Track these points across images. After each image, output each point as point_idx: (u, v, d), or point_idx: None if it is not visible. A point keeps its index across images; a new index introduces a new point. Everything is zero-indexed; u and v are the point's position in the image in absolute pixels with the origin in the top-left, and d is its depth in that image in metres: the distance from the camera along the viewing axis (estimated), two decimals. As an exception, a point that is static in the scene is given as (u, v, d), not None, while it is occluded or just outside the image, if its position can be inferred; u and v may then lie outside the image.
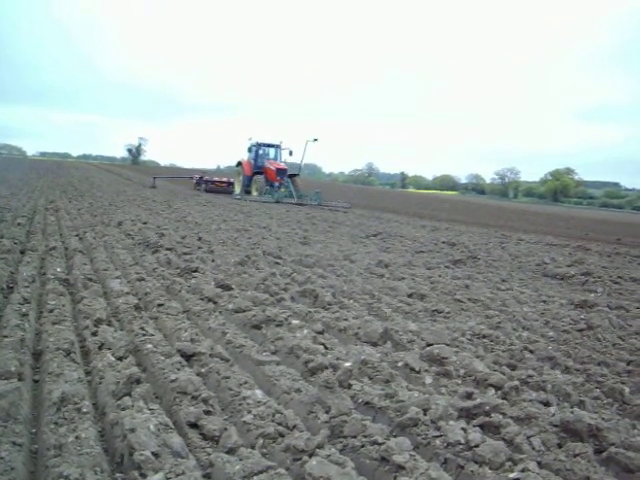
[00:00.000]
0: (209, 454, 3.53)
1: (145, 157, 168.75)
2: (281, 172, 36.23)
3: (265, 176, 36.33)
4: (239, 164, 39.42)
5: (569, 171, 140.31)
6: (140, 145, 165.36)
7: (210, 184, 41.48)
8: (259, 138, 38.97)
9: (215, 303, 7.21)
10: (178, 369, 4.69)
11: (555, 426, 4.07)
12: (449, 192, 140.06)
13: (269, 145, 39.11)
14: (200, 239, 12.90)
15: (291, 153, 37.61)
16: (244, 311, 6.75)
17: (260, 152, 38.33)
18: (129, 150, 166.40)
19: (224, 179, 42.92)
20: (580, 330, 7.29)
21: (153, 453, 3.27)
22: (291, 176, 36.98)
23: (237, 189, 38.84)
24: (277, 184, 35.64)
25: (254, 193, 35.77)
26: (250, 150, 38.44)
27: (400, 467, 3.35)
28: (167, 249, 10.87)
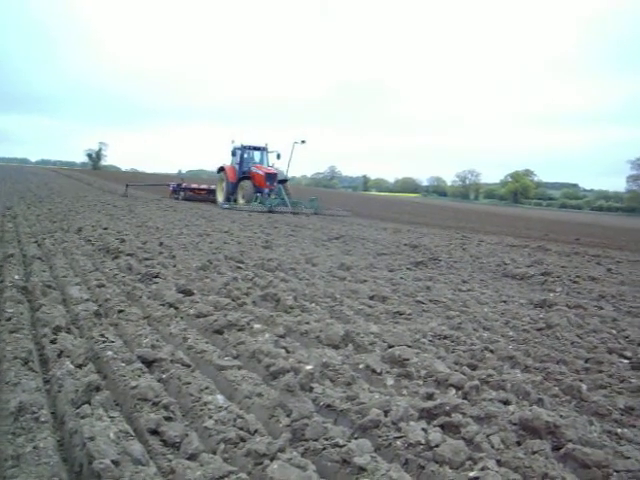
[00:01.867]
0: (170, 460, 3.51)
1: (106, 162, 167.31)
2: (271, 177, 32.85)
3: (252, 182, 32.91)
4: (221, 169, 35.58)
5: (529, 173, 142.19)
6: (100, 150, 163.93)
7: (189, 192, 37.79)
8: (230, 141, 35.56)
9: (176, 308, 7.17)
10: (139, 376, 4.66)
11: (514, 424, 4.13)
12: (411, 194, 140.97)
13: (255, 148, 35.47)
14: (161, 244, 12.81)
15: (279, 156, 33.98)
16: (206, 316, 6.72)
17: (245, 156, 34.82)
18: (89, 155, 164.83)
19: (203, 186, 39.33)
20: (539, 329, 7.40)
21: (113, 461, 3.24)
22: (281, 182, 33.86)
23: (220, 197, 35.27)
24: (267, 190, 32.53)
25: (240, 201, 32.67)
26: (234, 154, 35.08)
27: (361, 469, 3.37)
28: (128, 255, 10.77)
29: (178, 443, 3.70)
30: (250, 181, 32.91)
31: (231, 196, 33.73)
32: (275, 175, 33.21)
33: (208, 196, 37.34)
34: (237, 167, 34.46)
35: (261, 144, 35.54)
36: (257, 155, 35.44)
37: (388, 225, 26.82)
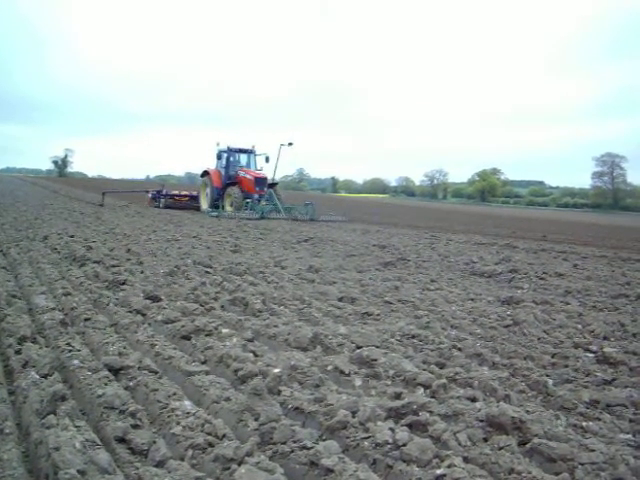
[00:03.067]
0: (137, 468, 3.49)
1: (72, 169, 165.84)
2: (261, 182, 30.96)
3: (240, 187, 30.81)
4: (205, 174, 33.41)
5: (495, 171, 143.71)
6: (67, 157, 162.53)
7: (169, 199, 35.29)
8: (215, 144, 33.26)
9: (144, 315, 7.12)
10: (105, 384, 4.62)
11: (481, 421, 4.16)
12: (380, 195, 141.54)
13: (241, 151, 33.55)
14: (129, 251, 12.72)
15: (268, 159, 32.22)
16: (173, 322, 6.69)
17: (231, 159, 32.92)
18: (55, 162, 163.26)
19: (184, 192, 37.06)
20: (506, 326, 7.47)
21: (79, 471, 3.22)
22: (271, 185, 31.81)
23: (204, 204, 33.15)
24: (256, 196, 30.37)
25: (228, 208, 30.24)
26: (219, 157, 32.81)
27: (329, 470, 3.37)
28: (95, 262, 10.68)
29: (145, 450, 3.68)
30: (238, 186, 30.98)
31: (217, 202, 31.76)
32: (265, 179, 31.49)
33: (191, 203, 35.12)
34: (223, 171, 32.62)
35: (248, 146, 33.71)
36: (244, 158, 33.62)
37: (357, 226, 26.89)
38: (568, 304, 9.27)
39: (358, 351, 5.72)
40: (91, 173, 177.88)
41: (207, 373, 5.10)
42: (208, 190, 32.66)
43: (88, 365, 5.07)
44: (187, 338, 6.21)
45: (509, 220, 45.54)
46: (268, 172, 32.86)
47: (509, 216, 55.72)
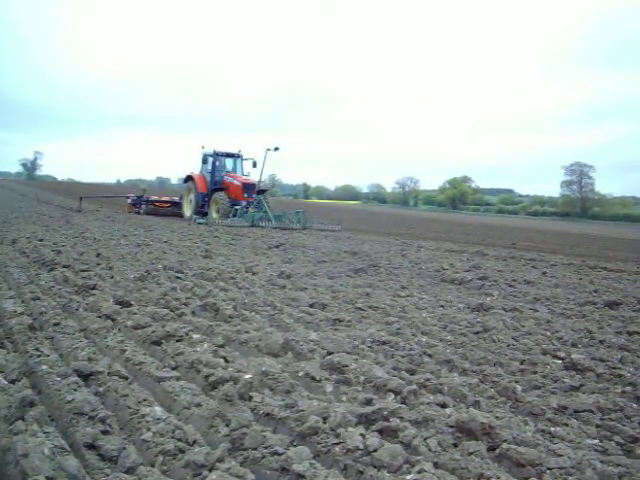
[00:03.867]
0: (107, 475, 3.46)
1: (41, 172, 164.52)
2: (249, 188, 29.67)
3: (226, 193, 29.67)
4: (189, 179, 31.97)
5: (466, 179, 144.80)
6: (36, 159, 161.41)
7: (149, 205, 33.75)
8: (200, 147, 32.02)
9: (114, 320, 7.07)
10: (75, 389, 4.57)
11: (451, 427, 4.20)
12: (351, 202, 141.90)
13: (228, 155, 32.06)
14: (99, 255, 12.62)
15: (255, 164, 30.77)
16: (143, 327, 6.65)
17: (217, 164, 31.43)
18: (24, 165, 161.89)
19: (164, 198, 35.44)
20: (476, 333, 7.53)
21: (47, 478, 3.19)
22: (260, 192, 30.53)
23: (187, 210, 31.75)
24: (244, 203, 29.13)
25: (214, 215, 28.96)
26: (205, 161, 31.46)
27: (300, 476, 3.38)
28: (64, 266, 10.58)
29: (115, 457, 3.65)
30: (224, 192, 29.79)
31: (201, 209, 30.46)
32: (254, 185, 30.22)
33: (172, 209, 33.73)
34: (208, 176, 31.23)
35: (234, 150, 32.33)
36: (230, 163, 32.24)
37: (328, 232, 26.92)
38: (537, 311, 9.37)
39: (329, 357, 5.74)
40: (61, 176, 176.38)
41: (178, 379, 5.07)
42: (192, 196, 31.28)
43: (57, 370, 5.02)
44: (158, 344, 6.18)
45: (479, 228, 45.94)
46: (254, 178, 31.72)
47: (479, 224, 56.20)
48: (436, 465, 3.65)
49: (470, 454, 3.77)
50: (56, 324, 6.66)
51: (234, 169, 31.83)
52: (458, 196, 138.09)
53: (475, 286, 12.02)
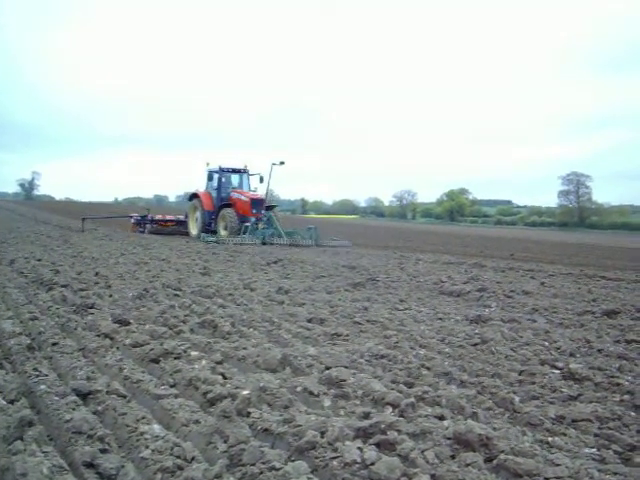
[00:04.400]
0: (106, 493, 3.48)
1: (39, 192, 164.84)
2: (257, 203, 28.64)
3: (234, 209, 28.60)
4: (194, 197, 30.90)
5: (464, 191, 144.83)
6: (33, 179, 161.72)
7: (154, 224, 32.72)
8: (205, 164, 30.95)
9: (112, 339, 7.08)
10: (73, 409, 4.59)
11: (448, 439, 4.20)
12: (349, 216, 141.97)
13: (234, 170, 31.14)
14: (97, 274, 12.63)
15: (262, 179, 29.97)
16: (142, 345, 6.66)
17: (223, 180, 30.50)
18: (22, 185, 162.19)
19: (169, 217, 34.20)
20: (474, 344, 7.54)
21: (46, 496, 3.21)
22: (268, 208, 29.54)
23: (193, 229, 30.61)
24: (253, 219, 27.97)
25: (222, 232, 28.00)
26: (211, 178, 30.36)
27: (298, 490, 3.39)
28: (62, 286, 10.59)
29: (114, 475, 3.66)
30: (232, 209, 28.70)
31: (208, 227, 29.37)
32: (262, 201, 29.21)
33: (178, 228, 32.55)
34: (214, 193, 30.20)
35: (240, 166, 31.36)
36: (235, 178, 31.29)
37: (327, 247, 26.92)
38: (535, 322, 9.39)
39: (327, 372, 5.75)
40: (59, 196, 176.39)
41: (176, 396, 5.08)
42: (198, 214, 30.19)
43: (56, 390, 5.03)
44: (156, 361, 6.19)
45: (477, 239, 45.96)
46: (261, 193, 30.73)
47: (477, 235, 56.22)
48: (433, 477, 3.66)
49: (467, 465, 3.77)
50: (54, 344, 6.68)
51: (240, 185, 30.93)
52: (456, 208, 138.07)
53: (473, 298, 12.04)
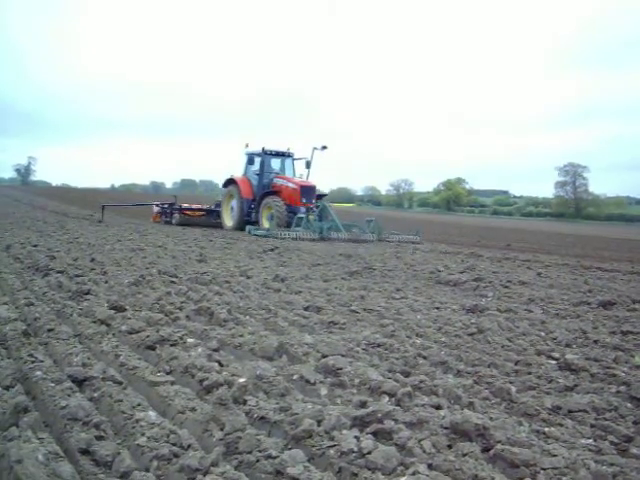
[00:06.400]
0: (101, 480, 3.47)
1: (35, 177, 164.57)
2: (308, 192, 25.56)
3: (280, 198, 25.23)
4: (230, 182, 27.65)
5: (460, 181, 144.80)
6: (30, 165, 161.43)
7: (183, 214, 29.11)
8: (244, 145, 27.93)
9: (108, 325, 7.06)
10: (69, 395, 4.57)
11: (445, 428, 4.20)
12: (346, 204, 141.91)
13: (278, 154, 27.85)
14: (93, 260, 12.59)
15: (309, 165, 27.15)
16: (138, 332, 6.64)
17: (266, 165, 27.21)
18: (18, 170, 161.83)
19: (195, 206, 30.64)
20: (471, 334, 7.54)
21: (41, 483, 3.19)
22: (318, 197, 26.51)
23: (228, 220, 27.56)
24: (303, 209, 24.82)
25: (265, 224, 24.88)
26: (251, 161, 27.08)
27: (294, 479, 3.38)
28: (58, 272, 10.55)
29: (110, 462, 3.65)
30: (279, 198, 25.30)
31: (247, 218, 26.31)
32: (313, 189, 26.11)
33: (209, 218, 29.34)
34: (255, 179, 27.03)
35: (284, 149, 28.15)
36: (277, 163, 28.11)
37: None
38: (531, 312, 9.39)
39: (324, 360, 5.74)
40: (55, 182, 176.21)
41: (172, 383, 5.06)
42: (234, 203, 27.16)
43: (51, 376, 5.00)
44: (152, 348, 6.17)
45: (474, 229, 46.03)
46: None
47: (474, 225, 56.30)
48: (430, 467, 3.65)
49: (464, 455, 3.77)
50: (50, 330, 6.65)
51: (281, 170, 27.95)
52: (453, 198, 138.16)
53: (470, 287, 12.04)
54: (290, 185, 25.79)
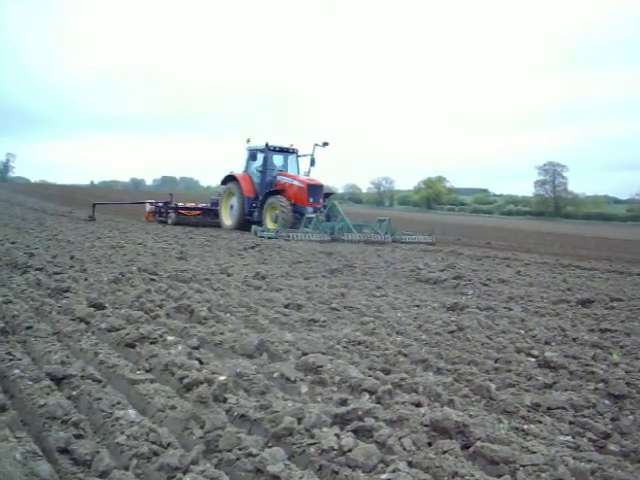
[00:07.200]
0: (80, 479, 3.45)
1: (14, 174, 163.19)
2: (315, 190, 24.28)
3: (285, 198, 23.82)
4: (230, 179, 26.27)
5: (441, 179, 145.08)
6: (8, 161, 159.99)
7: (179, 213, 27.49)
8: (246, 141, 26.64)
9: (87, 323, 7.01)
10: (47, 394, 4.53)
11: (425, 426, 4.21)
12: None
13: (282, 150, 26.37)
14: (72, 258, 12.50)
15: (313, 162, 25.83)
16: (117, 330, 6.60)
17: (269, 161, 25.92)
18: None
19: (190, 204, 29.19)
20: (451, 332, 7.56)
21: (19, 482, 3.16)
22: (325, 196, 25.16)
23: (227, 219, 26.28)
24: (310, 209, 23.52)
25: (269, 225, 23.39)
26: (254, 157, 25.89)
27: (275, 477, 3.38)
28: (37, 269, 10.47)
29: (89, 461, 3.63)
30: (284, 197, 23.94)
31: (249, 217, 25.07)
32: (321, 187, 24.79)
33: (206, 218, 27.84)
34: (257, 177, 25.71)
35: (287, 145, 26.61)
36: (279, 160, 26.66)
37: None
38: (511, 310, 9.44)
39: (304, 358, 5.74)
40: (34, 178, 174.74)
41: (152, 381, 5.04)
42: (234, 201, 25.85)
43: (29, 374, 4.96)
44: (132, 346, 6.13)
45: (454, 227, 46.12)
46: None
47: (454, 223, 56.48)
48: (410, 464, 3.66)
49: (444, 452, 3.78)
50: (28, 327, 6.59)
51: (284, 168, 26.52)
52: (433, 196, 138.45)
53: (450, 285, 12.08)
54: (296, 183, 24.57)
